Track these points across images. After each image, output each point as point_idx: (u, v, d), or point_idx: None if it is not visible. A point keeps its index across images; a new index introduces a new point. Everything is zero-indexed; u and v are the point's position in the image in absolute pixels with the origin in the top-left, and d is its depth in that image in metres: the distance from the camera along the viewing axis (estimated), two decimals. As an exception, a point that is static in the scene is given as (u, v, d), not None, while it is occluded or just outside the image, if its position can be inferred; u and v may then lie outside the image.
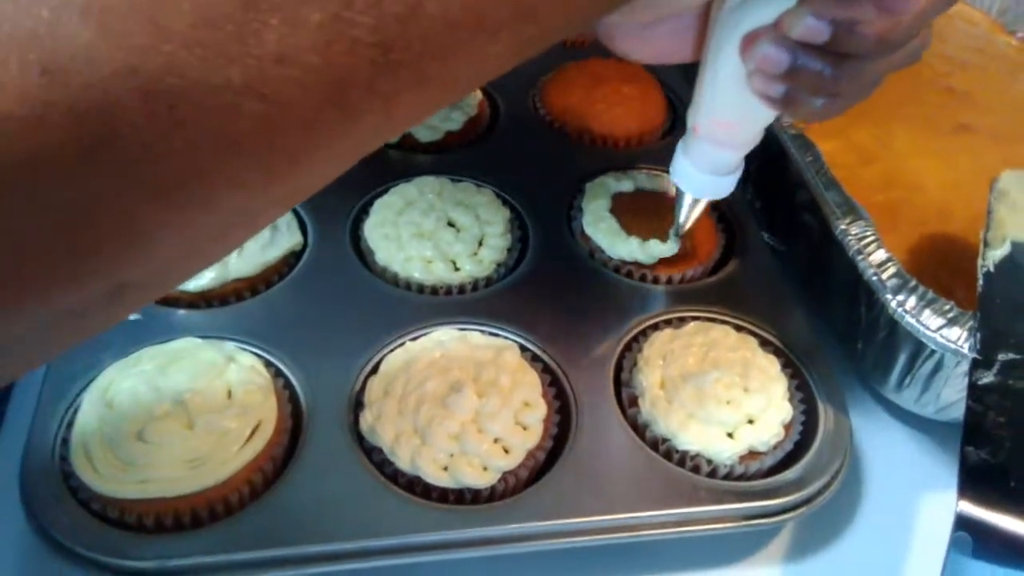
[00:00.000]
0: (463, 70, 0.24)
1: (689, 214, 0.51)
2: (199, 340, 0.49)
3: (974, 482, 0.38)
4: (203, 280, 0.53)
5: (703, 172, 0.47)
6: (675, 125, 0.74)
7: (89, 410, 0.45)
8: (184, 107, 0.20)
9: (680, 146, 0.48)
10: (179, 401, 0.45)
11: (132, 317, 0.47)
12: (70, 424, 0.45)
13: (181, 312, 0.52)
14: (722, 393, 0.49)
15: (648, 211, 0.61)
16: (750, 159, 0.59)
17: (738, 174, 0.48)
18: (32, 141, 0.19)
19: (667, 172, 0.63)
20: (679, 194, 0.51)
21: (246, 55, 0.20)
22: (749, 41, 0.37)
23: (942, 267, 0.54)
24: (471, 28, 0.23)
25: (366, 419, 0.47)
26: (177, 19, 0.19)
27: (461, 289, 0.57)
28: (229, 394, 0.47)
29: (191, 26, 0.19)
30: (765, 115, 0.41)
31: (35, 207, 0.20)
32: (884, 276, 0.50)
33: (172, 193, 0.21)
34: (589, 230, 0.60)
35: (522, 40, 0.25)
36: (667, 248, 0.58)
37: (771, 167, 0.63)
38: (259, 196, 0.24)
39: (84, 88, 0.19)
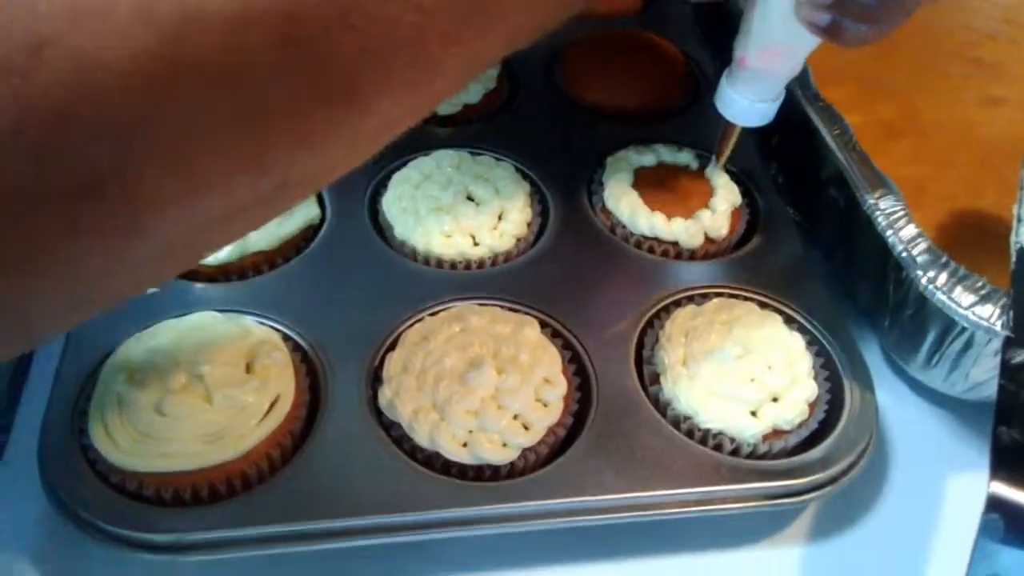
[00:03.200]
0: None
1: (732, 141, 0.55)
2: (217, 314, 0.49)
3: (1006, 463, 0.37)
4: (221, 254, 0.52)
5: (748, 100, 0.50)
6: (697, 98, 0.72)
7: (107, 383, 0.45)
8: (356, 14, 0.22)
9: (724, 77, 0.51)
10: (197, 375, 0.45)
11: (149, 290, 0.47)
12: (88, 397, 0.45)
13: (199, 286, 0.52)
14: (745, 370, 0.48)
15: (671, 185, 0.60)
16: (772, 132, 0.58)
17: (779, 102, 0.51)
18: (234, 38, 0.21)
19: (689, 147, 0.63)
20: (724, 123, 0.53)
21: None
22: None
23: (972, 244, 0.53)
24: None
25: (384, 394, 0.47)
26: None
27: (480, 264, 0.56)
28: (247, 368, 0.46)
29: None
30: (810, 43, 0.44)
31: (231, 100, 0.22)
32: (914, 252, 0.49)
33: (341, 95, 0.24)
34: (610, 204, 0.59)
35: None
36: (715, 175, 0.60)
37: (796, 141, 0.62)
38: (403, 102, 0.26)
39: None
